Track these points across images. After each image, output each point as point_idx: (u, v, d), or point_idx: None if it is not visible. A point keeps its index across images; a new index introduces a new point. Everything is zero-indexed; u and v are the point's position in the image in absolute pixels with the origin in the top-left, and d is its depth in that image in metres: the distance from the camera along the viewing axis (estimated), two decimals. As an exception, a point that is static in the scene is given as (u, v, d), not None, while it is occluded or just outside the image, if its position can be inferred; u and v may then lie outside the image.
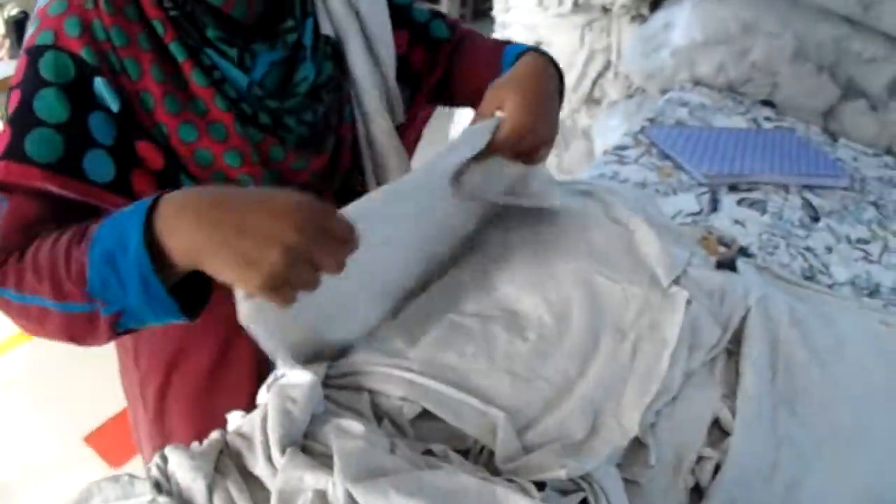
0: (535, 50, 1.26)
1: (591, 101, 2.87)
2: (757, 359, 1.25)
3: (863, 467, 1.16)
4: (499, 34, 3.14)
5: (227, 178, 1.08)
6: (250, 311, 0.88)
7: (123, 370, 1.39)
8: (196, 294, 0.95)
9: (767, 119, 2.40)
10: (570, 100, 2.88)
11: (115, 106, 1.00)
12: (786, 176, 1.98)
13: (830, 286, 1.62)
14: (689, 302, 1.26)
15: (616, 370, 1.16)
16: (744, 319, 1.32)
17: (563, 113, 2.87)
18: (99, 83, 0.99)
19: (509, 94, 1.12)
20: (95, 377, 1.65)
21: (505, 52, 1.32)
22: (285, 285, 0.82)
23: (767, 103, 2.52)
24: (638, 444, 1.07)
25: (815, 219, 1.86)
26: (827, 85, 2.45)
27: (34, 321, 0.96)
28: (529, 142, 1.13)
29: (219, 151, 1.07)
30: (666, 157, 1.98)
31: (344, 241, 0.85)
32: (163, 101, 1.02)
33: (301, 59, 1.15)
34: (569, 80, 2.85)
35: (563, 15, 2.85)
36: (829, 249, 1.75)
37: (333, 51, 1.22)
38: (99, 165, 1.00)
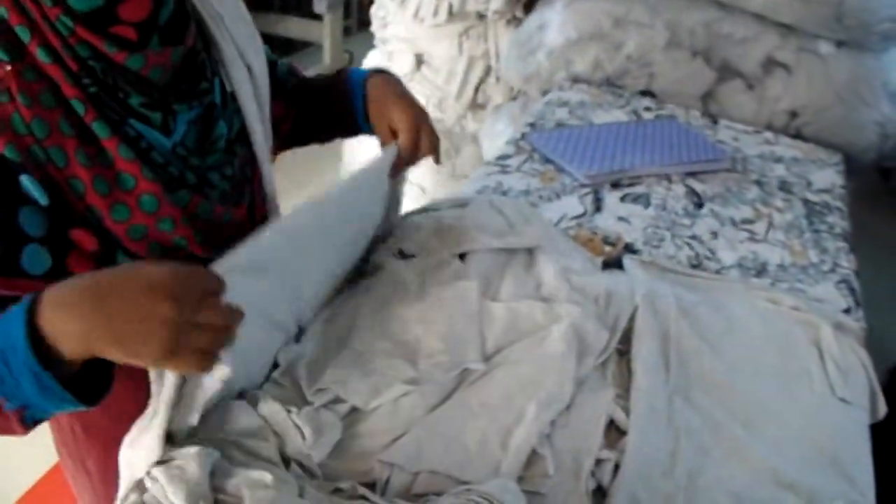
0: (378, 71, 1.41)
1: (476, 106, 2.89)
2: (647, 355, 1.28)
3: (760, 446, 1.19)
4: (379, 50, 3.16)
5: (163, 244, 1.08)
6: None
7: (60, 443, 1.36)
8: (100, 377, 0.94)
9: (647, 109, 2.44)
10: (456, 107, 2.89)
11: (43, 200, 0.97)
12: (667, 166, 2.01)
13: (718, 271, 1.65)
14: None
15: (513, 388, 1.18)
16: (632, 318, 1.34)
17: (451, 120, 2.91)
18: (25, 180, 0.96)
19: (395, 112, 1.32)
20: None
21: (350, 73, 1.41)
22: (184, 353, 0.84)
23: (647, 93, 2.56)
24: (536, 455, 1.09)
25: (699, 205, 1.90)
26: (702, 69, 2.50)
27: None
28: (426, 147, 1.34)
29: (151, 222, 1.06)
30: (548, 161, 2.00)
31: (216, 292, 0.87)
32: (92, 184, 1.01)
33: (215, 116, 1.15)
34: (451, 89, 2.87)
35: (440, 25, 2.86)
36: (715, 234, 1.78)
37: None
38: (35, 258, 0.97)
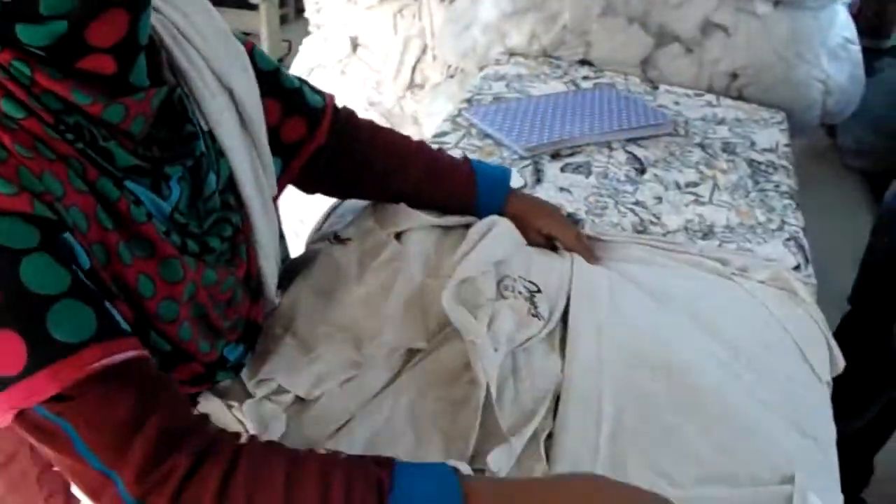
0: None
1: (415, 86, 2.85)
2: (581, 349, 1.26)
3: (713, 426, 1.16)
4: (315, 35, 3.10)
5: (190, 325, 0.98)
6: None
7: (12, 489, 1.17)
8: None
9: (585, 78, 2.41)
10: (394, 88, 2.86)
11: (85, 262, 0.82)
12: (607, 133, 1.99)
13: (664, 235, 1.63)
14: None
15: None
16: (567, 306, 1.32)
17: (390, 102, 2.87)
18: (69, 238, 0.80)
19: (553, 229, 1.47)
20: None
21: (477, 172, 1.44)
22: None
23: (585, 63, 2.53)
24: (489, 434, 1.07)
25: (642, 171, 1.87)
26: (639, 35, 2.47)
27: None
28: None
29: (179, 292, 0.94)
30: (486, 136, 1.96)
31: None
32: (117, 250, 0.87)
33: (205, 167, 1.00)
34: (388, 70, 2.83)
35: (373, 6, 2.83)
36: (659, 199, 1.76)
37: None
38: (118, 316, 0.83)
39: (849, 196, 4.19)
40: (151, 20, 0.90)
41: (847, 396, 1.97)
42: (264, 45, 4.82)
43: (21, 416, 0.79)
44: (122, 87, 0.86)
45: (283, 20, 5.20)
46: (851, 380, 1.83)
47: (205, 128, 1.01)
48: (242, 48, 1.12)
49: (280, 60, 4.72)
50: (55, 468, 0.87)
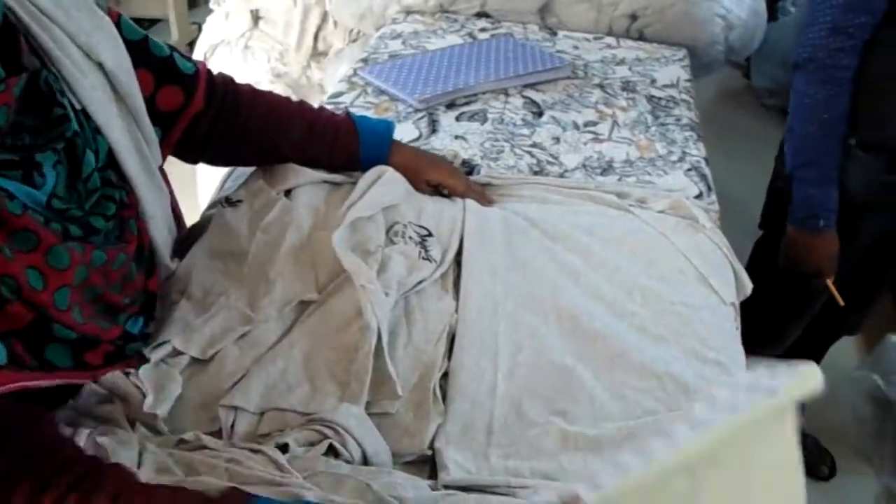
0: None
1: (318, 54, 2.84)
2: (475, 289, 1.26)
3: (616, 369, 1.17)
4: (216, 12, 3.06)
5: (89, 305, 0.97)
6: None
7: None
8: None
9: (483, 30, 2.41)
10: (298, 58, 2.84)
11: None
12: (503, 80, 1.99)
13: (562, 174, 1.63)
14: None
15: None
16: (461, 249, 1.33)
17: (296, 72, 2.85)
18: None
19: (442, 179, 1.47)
20: None
21: (358, 125, 1.43)
22: None
23: (482, 15, 2.52)
24: (383, 377, 1.08)
25: (539, 114, 1.88)
26: (535, -16, 2.46)
27: None
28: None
29: (70, 279, 0.92)
30: (382, 92, 1.95)
31: None
32: (3, 250, 0.84)
33: (80, 147, 0.96)
34: (291, 40, 2.81)
35: (270, -23, 2.80)
36: (557, 140, 1.77)
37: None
38: None
39: (767, 134, 4.23)
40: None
41: (764, 323, 2.00)
42: (173, 30, 4.75)
43: None
44: None
45: (192, 4, 5.12)
46: (766, 305, 1.86)
47: (77, 106, 0.98)
48: (108, 19, 1.08)
49: (190, 44, 4.67)
50: None
